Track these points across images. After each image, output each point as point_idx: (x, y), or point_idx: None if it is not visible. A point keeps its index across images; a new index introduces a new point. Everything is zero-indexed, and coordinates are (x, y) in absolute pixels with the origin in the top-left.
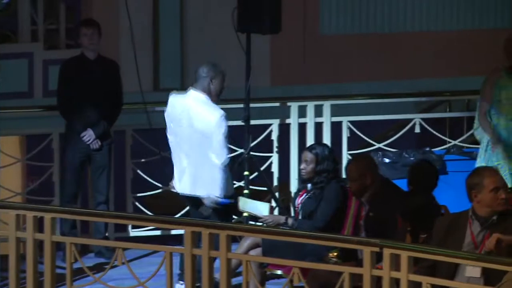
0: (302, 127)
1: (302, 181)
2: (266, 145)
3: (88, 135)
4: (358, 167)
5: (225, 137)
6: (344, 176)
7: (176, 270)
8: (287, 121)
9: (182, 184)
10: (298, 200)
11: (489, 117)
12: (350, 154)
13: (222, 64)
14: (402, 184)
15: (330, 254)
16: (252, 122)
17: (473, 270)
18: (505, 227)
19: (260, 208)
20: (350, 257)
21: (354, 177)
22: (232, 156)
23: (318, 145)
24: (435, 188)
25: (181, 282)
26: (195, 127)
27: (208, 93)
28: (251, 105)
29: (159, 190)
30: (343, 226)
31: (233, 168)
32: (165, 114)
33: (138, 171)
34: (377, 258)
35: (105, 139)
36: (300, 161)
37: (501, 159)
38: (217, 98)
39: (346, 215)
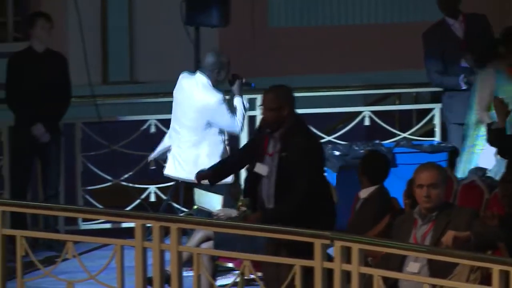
0: (251, 120)
1: None
2: None
3: (38, 129)
4: (277, 96)
5: (228, 115)
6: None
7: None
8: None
9: (177, 169)
10: None
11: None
12: None
13: (173, 57)
14: (351, 176)
15: (240, 203)
16: None
17: (413, 265)
18: (447, 223)
19: (213, 201)
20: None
21: (272, 107)
22: None
23: None
24: (386, 178)
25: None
26: (190, 108)
27: (212, 79)
28: None
29: (109, 183)
30: None
31: None
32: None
33: (88, 164)
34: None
35: (55, 133)
36: None
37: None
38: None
39: None
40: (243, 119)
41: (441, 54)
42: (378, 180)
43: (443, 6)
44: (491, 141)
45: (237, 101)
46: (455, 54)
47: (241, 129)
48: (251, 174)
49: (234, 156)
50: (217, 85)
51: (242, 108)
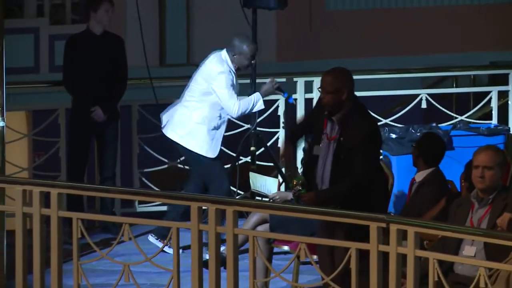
0: (308, 103)
1: None
2: (273, 120)
3: (97, 113)
4: (336, 79)
5: (229, 90)
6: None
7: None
8: (293, 96)
9: (167, 126)
10: None
11: None
12: None
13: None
14: (409, 159)
15: (295, 181)
16: None
17: (469, 249)
18: (504, 206)
19: (269, 184)
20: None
21: (330, 90)
22: (239, 132)
23: None
24: (441, 160)
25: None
26: (199, 74)
27: (230, 58)
28: (258, 80)
29: (166, 166)
30: None
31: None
32: None
33: (145, 146)
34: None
35: (112, 115)
36: None
37: None
38: (238, 68)
39: None
40: (246, 110)
41: None
42: (434, 162)
43: None
44: None
45: (256, 96)
46: None
47: (238, 114)
48: (308, 156)
49: (299, 125)
50: (237, 69)
51: (253, 102)
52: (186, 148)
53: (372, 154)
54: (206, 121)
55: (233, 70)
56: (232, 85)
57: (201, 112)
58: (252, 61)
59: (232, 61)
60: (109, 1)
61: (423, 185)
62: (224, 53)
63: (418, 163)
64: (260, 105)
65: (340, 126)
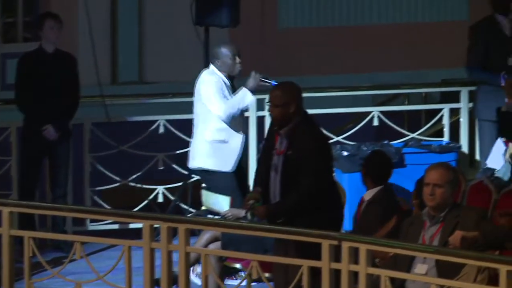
0: (260, 120)
1: None
2: None
3: (48, 131)
4: (284, 93)
5: (217, 92)
6: None
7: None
8: (246, 114)
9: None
10: None
11: None
12: None
13: (182, 57)
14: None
15: (249, 195)
16: None
17: (421, 267)
18: (456, 224)
19: (221, 202)
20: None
21: (277, 103)
22: None
23: None
24: (389, 178)
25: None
26: (197, 97)
27: (218, 69)
28: None
29: (117, 184)
30: None
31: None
32: None
33: (96, 164)
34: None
35: (64, 133)
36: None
37: None
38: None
39: None
40: (236, 108)
41: (485, 49)
42: (381, 180)
43: (495, 2)
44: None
45: (241, 92)
46: (500, 51)
47: (226, 117)
48: (263, 170)
49: (261, 171)
50: (229, 77)
51: (239, 98)
52: None
53: (320, 167)
54: (217, 136)
55: (224, 79)
56: (221, 89)
57: (210, 129)
58: (238, 61)
59: (220, 69)
60: (53, 18)
61: (371, 204)
62: (210, 67)
63: (367, 182)
64: (249, 99)
65: (287, 140)
